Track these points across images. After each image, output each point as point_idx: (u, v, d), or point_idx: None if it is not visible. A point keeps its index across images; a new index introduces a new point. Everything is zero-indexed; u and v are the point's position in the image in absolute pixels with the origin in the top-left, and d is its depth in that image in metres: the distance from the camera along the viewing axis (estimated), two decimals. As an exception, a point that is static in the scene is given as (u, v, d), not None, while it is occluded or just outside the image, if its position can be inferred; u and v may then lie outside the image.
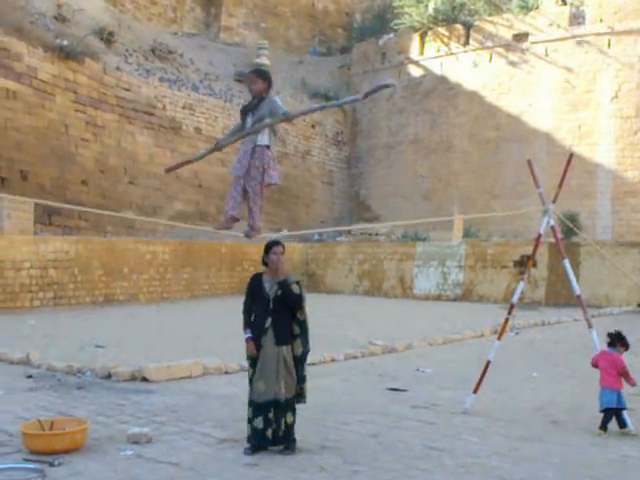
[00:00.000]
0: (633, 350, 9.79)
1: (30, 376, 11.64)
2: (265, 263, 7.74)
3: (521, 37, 37.59)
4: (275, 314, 7.52)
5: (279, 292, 7.56)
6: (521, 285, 10.06)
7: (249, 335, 7.55)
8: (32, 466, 6.75)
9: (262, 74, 7.74)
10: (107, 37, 34.47)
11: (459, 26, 40.24)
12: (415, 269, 31.66)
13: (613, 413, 8.75)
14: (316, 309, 23.86)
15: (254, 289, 7.71)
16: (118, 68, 32.89)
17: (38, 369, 12.35)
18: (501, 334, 10.00)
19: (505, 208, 34.05)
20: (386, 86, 7.17)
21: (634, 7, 33.98)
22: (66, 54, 29.55)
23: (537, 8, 37.81)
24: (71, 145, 29.55)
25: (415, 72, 41.84)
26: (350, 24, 52.35)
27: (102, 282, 25.61)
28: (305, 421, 8.82)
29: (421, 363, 14.12)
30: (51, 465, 6.80)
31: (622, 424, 8.76)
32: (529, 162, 10.27)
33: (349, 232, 37.34)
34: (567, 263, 9.77)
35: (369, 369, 13.44)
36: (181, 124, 34.84)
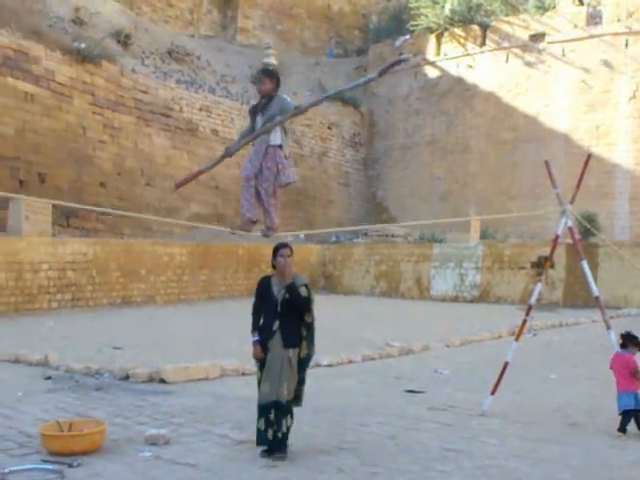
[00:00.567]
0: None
1: (49, 377, 11.68)
2: (274, 266, 7.67)
3: (538, 37, 37.47)
4: (283, 317, 7.47)
5: (287, 295, 7.50)
6: (539, 286, 10.03)
7: (256, 338, 7.51)
8: (51, 467, 6.77)
9: (270, 73, 7.64)
10: (124, 40, 34.62)
11: (475, 27, 40.17)
12: (432, 270, 31.59)
13: (632, 415, 8.70)
14: (333, 310, 23.91)
15: (262, 292, 7.66)
16: (135, 70, 32.99)
17: (56, 371, 12.39)
18: (519, 335, 9.97)
19: (522, 209, 33.92)
20: (400, 61, 6.91)
21: (652, 6, 33.88)
22: (83, 57, 29.66)
23: (554, 8, 37.68)
24: (88, 147, 29.67)
25: (431, 73, 41.78)
26: (366, 25, 52.33)
27: (119, 284, 25.68)
28: (323, 422, 8.83)
29: (438, 365, 14.08)
30: (70, 466, 6.82)
31: (641, 426, 8.73)
32: (546, 163, 10.23)
33: (366, 234, 37.31)
34: (585, 264, 9.72)
35: (386, 371, 13.41)
36: (198, 126, 34.90)
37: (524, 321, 9.94)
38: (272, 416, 7.28)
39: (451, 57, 40.69)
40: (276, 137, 7.33)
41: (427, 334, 18.19)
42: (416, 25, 42.36)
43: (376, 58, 44.71)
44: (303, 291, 7.54)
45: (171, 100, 33.91)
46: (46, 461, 7.00)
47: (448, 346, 16.92)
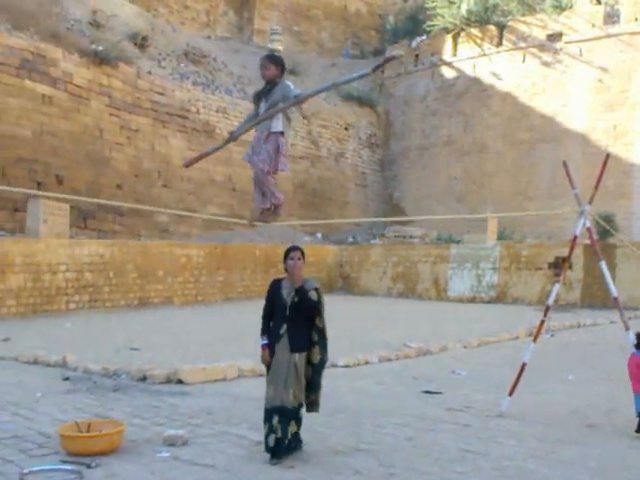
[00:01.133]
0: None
1: (67, 378, 11.72)
2: (286, 269, 7.54)
3: (555, 37, 37.35)
4: (291, 321, 7.32)
5: (296, 299, 7.37)
6: (557, 287, 9.99)
7: (265, 342, 7.40)
8: (69, 468, 6.78)
9: (274, 59, 7.52)
10: (141, 42, 34.71)
11: (492, 27, 40.08)
12: (449, 271, 31.55)
13: (650, 416, 8.67)
14: (350, 311, 23.90)
15: (273, 295, 7.53)
16: (152, 72, 33.08)
17: (74, 371, 12.44)
18: (537, 336, 9.93)
19: (539, 209, 33.82)
20: (393, 57, 6.86)
21: (670, 5, 33.74)
22: (101, 59, 29.79)
23: (571, 8, 37.52)
24: (105, 149, 29.78)
25: (448, 74, 41.72)
26: (383, 26, 52.35)
27: (137, 285, 25.76)
28: (340, 423, 8.82)
29: (456, 365, 14.06)
30: (88, 467, 6.84)
31: (659, 427, 8.68)
32: (564, 163, 10.20)
33: (383, 235, 37.30)
34: (604, 265, 9.68)
35: (403, 371, 13.40)
36: (214, 127, 34.96)
37: (542, 322, 9.91)
38: (275, 422, 7.15)
39: (468, 57, 40.62)
40: (278, 124, 7.19)
41: (444, 335, 18.16)
42: (433, 26, 42.33)
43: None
44: (313, 295, 7.40)
45: (188, 102, 33.99)
46: (65, 462, 7.01)
47: (466, 347, 16.90)
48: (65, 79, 28.35)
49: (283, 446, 7.18)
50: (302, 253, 7.51)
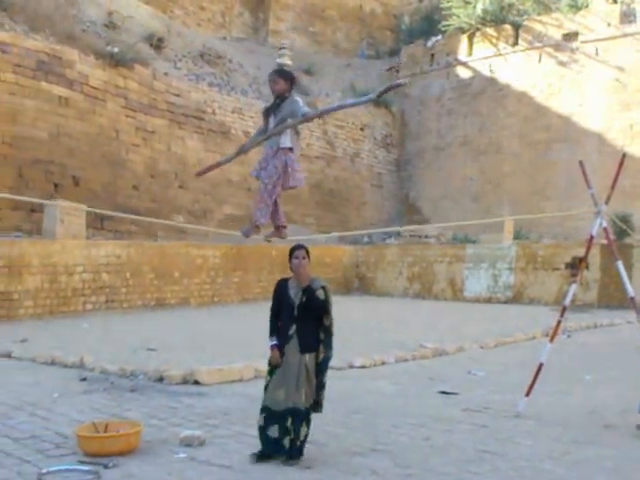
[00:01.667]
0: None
1: (84, 379, 11.76)
2: (291, 268, 7.54)
3: (571, 36, 37.21)
4: (300, 321, 7.29)
5: (304, 298, 7.34)
6: (573, 287, 9.97)
7: (274, 342, 7.36)
8: (87, 468, 6.82)
9: (283, 73, 7.52)
10: (157, 43, 34.81)
11: (508, 26, 39.95)
12: (465, 271, 31.51)
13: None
14: (366, 312, 23.89)
15: (280, 295, 7.52)
16: (167, 74, 33.15)
17: (92, 372, 12.47)
18: (553, 336, 9.91)
19: (556, 210, 33.71)
20: (398, 85, 6.92)
21: (687, 4, 33.57)
22: (116, 61, 29.83)
23: (587, 7, 37.34)
24: (122, 150, 29.85)
25: (464, 73, 41.64)
26: (398, 26, 52.23)
27: (153, 286, 25.80)
28: (356, 424, 8.83)
29: (472, 366, 14.04)
30: (105, 467, 6.87)
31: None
32: (581, 163, 10.17)
33: (399, 234, 37.27)
34: (620, 265, 9.66)
35: (420, 372, 13.40)
36: (230, 128, 34.99)
37: (558, 322, 9.88)
38: (289, 423, 7.13)
39: (483, 57, 40.53)
40: (286, 140, 7.23)
41: (461, 335, 18.15)
42: (448, 25, 42.24)
43: (408, 59, 44.68)
44: (320, 294, 7.36)
45: (203, 103, 34.03)
46: (82, 462, 7.05)
47: (482, 347, 16.88)
48: (81, 80, 28.41)
49: (296, 447, 7.17)
50: (307, 252, 7.49)
